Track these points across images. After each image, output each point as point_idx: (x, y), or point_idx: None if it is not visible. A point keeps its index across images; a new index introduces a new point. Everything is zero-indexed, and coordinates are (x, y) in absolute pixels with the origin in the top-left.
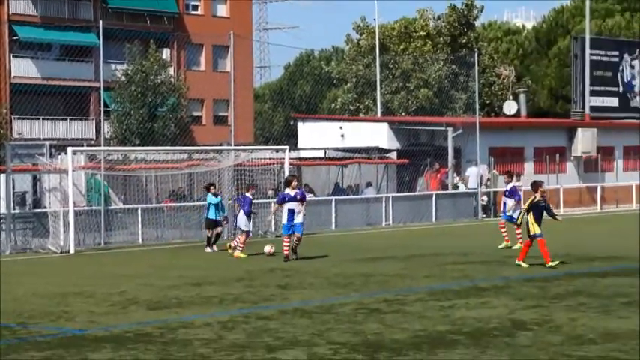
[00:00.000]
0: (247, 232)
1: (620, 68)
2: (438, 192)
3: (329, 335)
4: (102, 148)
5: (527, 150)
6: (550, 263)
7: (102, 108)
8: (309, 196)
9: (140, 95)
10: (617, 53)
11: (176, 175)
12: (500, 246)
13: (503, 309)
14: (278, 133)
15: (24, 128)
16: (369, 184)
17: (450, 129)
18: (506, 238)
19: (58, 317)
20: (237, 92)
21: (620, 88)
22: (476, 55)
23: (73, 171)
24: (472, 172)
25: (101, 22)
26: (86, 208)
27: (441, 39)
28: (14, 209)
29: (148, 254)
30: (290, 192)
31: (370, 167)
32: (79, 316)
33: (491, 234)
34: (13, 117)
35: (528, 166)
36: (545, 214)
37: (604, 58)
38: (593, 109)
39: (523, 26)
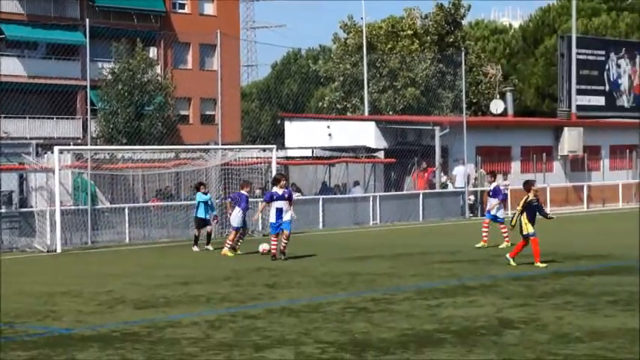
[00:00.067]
0: (238, 229)
1: (607, 67)
2: (426, 191)
3: (316, 334)
4: (89, 147)
5: (514, 149)
6: (539, 264)
7: (89, 107)
8: (296, 195)
9: (127, 94)
10: (603, 52)
11: (163, 174)
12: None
13: (491, 308)
14: (265, 132)
15: (10, 127)
16: (356, 183)
17: (437, 128)
18: (485, 238)
19: (44, 317)
20: (225, 91)
21: (607, 87)
22: (463, 54)
23: (60, 170)
24: (459, 171)
25: (88, 20)
26: (73, 207)
27: (428, 38)
28: (0, 208)
29: (135, 253)
30: (278, 190)
31: (357, 166)
32: (66, 316)
33: (479, 233)
34: None
35: (515, 165)
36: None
37: (590, 57)
38: (579, 108)
39: (510, 25)
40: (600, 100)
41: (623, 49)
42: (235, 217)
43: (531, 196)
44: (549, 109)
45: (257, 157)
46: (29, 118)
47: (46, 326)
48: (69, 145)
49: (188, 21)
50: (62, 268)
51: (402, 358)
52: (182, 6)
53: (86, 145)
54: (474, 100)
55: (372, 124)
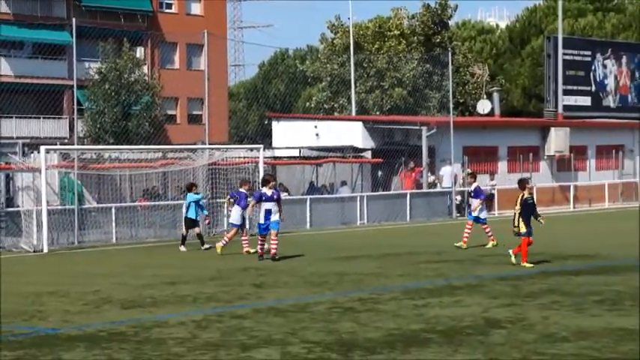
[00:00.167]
0: (238, 227)
1: (593, 68)
2: (413, 191)
3: (303, 334)
4: (75, 146)
5: (500, 149)
6: (525, 264)
7: (75, 106)
8: (283, 195)
9: (114, 94)
10: (589, 53)
11: (150, 174)
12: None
13: (477, 307)
14: (253, 131)
15: None
16: (343, 183)
17: (424, 128)
18: (465, 239)
19: (31, 316)
20: (212, 91)
21: (593, 88)
22: (449, 54)
23: (47, 169)
24: (446, 172)
25: (74, 20)
26: (59, 207)
27: (415, 38)
28: None
29: (122, 253)
30: (267, 191)
31: (345, 166)
32: (53, 316)
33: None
34: None
35: (502, 165)
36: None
37: (577, 58)
38: (566, 108)
39: (497, 25)
40: (586, 101)
41: (609, 49)
42: (234, 214)
43: (526, 194)
44: (536, 110)
45: (244, 157)
46: (16, 117)
47: (32, 326)
48: (56, 144)
49: (175, 21)
50: (49, 268)
51: (388, 357)
52: (169, 6)
53: (73, 144)
54: (461, 101)
55: (360, 124)
